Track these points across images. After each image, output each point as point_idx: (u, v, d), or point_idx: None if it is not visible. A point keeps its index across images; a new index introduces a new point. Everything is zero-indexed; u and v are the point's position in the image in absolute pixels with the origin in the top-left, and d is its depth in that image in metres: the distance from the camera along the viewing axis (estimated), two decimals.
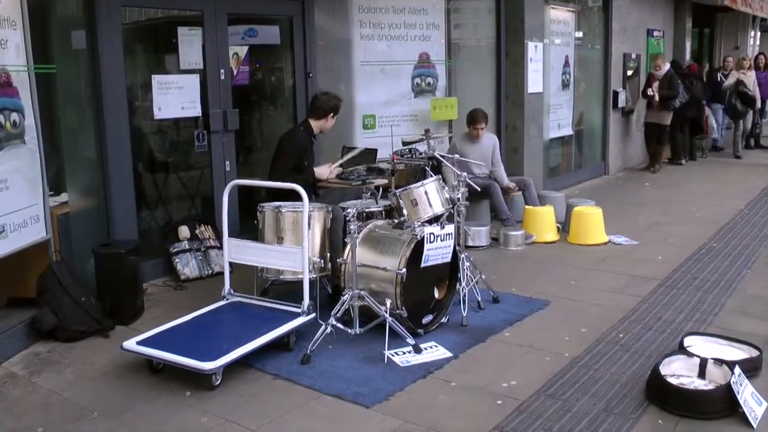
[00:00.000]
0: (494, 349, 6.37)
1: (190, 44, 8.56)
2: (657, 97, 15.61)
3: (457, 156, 7.88)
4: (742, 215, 11.57)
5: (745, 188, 13.91)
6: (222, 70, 8.77)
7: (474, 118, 10.27)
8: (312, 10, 9.59)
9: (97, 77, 7.68)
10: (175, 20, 8.73)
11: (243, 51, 9.32)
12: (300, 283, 6.43)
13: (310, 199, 6.55)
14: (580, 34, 14.98)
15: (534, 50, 12.39)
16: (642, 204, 12.69)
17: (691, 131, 17.87)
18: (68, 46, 7.68)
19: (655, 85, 15.64)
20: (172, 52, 8.64)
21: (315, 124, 7.88)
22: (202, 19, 8.59)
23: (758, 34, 26.76)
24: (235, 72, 9.15)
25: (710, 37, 25.49)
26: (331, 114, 7.90)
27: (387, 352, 6.06)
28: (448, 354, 6.19)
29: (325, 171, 7.80)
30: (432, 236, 6.43)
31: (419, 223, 6.77)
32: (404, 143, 8.46)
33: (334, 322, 6.25)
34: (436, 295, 6.83)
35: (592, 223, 9.98)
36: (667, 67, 16.10)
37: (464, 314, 6.88)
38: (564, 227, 10.37)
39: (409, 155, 8.20)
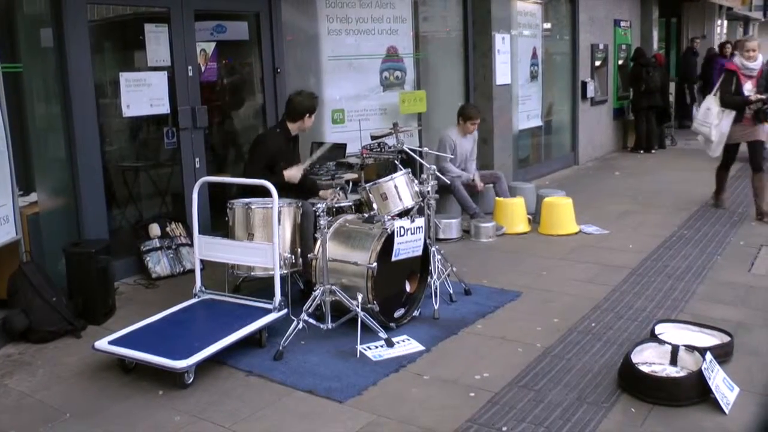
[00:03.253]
0: (466, 341, 6.39)
1: (157, 41, 8.51)
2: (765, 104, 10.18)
3: (426, 149, 7.89)
4: (713, 202, 11.62)
5: (714, 175, 13.93)
6: (190, 67, 8.73)
7: (471, 115, 10.45)
8: (279, 6, 9.55)
9: (65, 75, 7.63)
10: (141, 17, 8.68)
11: (210, 47, 9.30)
12: (271, 279, 6.43)
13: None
14: (547, 26, 15.05)
15: (501, 42, 12.42)
16: (612, 193, 12.77)
17: (659, 120, 17.98)
18: (35, 45, 7.62)
19: (748, 86, 10.40)
20: (139, 49, 8.59)
21: (292, 126, 7.78)
22: (169, 15, 8.54)
23: (725, 22, 26.96)
24: (203, 68, 9.12)
25: (677, 26, 25.61)
26: (308, 114, 7.78)
27: (359, 347, 6.07)
28: (421, 347, 6.20)
29: (296, 173, 7.72)
30: (402, 230, 6.44)
31: (389, 217, 6.78)
32: (373, 137, 8.46)
33: (306, 318, 6.24)
34: (408, 288, 6.84)
35: (562, 213, 10.03)
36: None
37: (436, 307, 6.89)
38: (535, 218, 10.41)
39: (378, 149, 8.18)
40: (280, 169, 7.53)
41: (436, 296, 6.94)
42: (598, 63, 16.83)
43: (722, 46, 21.39)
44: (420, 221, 6.62)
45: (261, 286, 7.37)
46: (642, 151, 17.69)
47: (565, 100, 16.07)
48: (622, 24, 18.07)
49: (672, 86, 20.13)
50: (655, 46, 19.92)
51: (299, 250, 6.93)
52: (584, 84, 16.07)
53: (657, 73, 17.33)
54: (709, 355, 5.28)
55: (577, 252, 9.06)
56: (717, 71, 19.93)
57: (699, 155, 16.75)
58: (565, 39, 15.87)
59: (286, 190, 7.35)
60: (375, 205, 7.07)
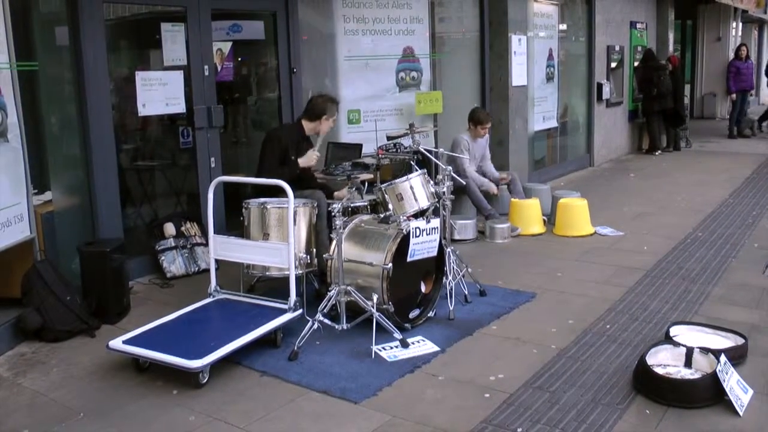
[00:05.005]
0: (481, 342, 6.38)
1: (173, 40, 8.52)
2: None
3: (441, 149, 7.88)
4: (727, 204, 11.63)
5: (729, 177, 13.97)
6: (206, 66, 8.74)
7: (481, 120, 10.41)
8: (295, 5, 9.56)
9: (80, 74, 7.64)
10: (158, 16, 8.70)
11: (227, 47, 9.30)
12: (286, 279, 6.43)
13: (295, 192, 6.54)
14: (563, 27, 15.02)
15: (518, 43, 12.42)
16: (627, 195, 12.74)
17: (673, 122, 17.96)
18: (51, 43, 7.65)
19: None
20: (155, 48, 8.61)
21: (308, 126, 7.80)
22: (186, 14, 8.56)
23: (740, 25, 26.88)
24: (219, 68, 9.13)
25: (693, 28, 25.59)
26: (325, 116, 7.77)
27: (374, 347, 6.07)
28: (436, 348, 6.19)
29: (310, 157, 7.71)
30: (418, 230, 6.43)
31: (405, 218, 6.77)
32: (389, 138, 8.45)
33: (321, 318, 6.24)
34: (423, 289, 6.84)
35: (577, 214, 10.00)
36: None
37: (451, 308, 6.87)
38: (550, 219, 10.39)
39: (394, 150, 8.18)
40: (293, 161, 7.53)
41: (451, 297, 6.92)
42: (613, 65, 16.80)
43: (738, 48, 21.38)
44: (435, 222, 6.61)
45: (276, 286, 7.38)
46: (658, 152, 17.67)
47: (581, 101, 16.05)
48: (638, 26, 18.03)
49: (687, 88, 20.11)
50: (671, 48, 19.88)
51: (314, 250, 6.93)
52: (600, 85, 16.03)
53: (667, 76, 17.33)
54: (723, 357, 5.26)
55: (592, 253, 9.04)
56: (732, 74, 19.99)
57: (714, 157, 16.85)
58: (581, 40, 15.84)
59: (300, 183, 7.36)
60: (390, 206, 7.04)
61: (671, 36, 19.98)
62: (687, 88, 22.79)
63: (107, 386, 5.69)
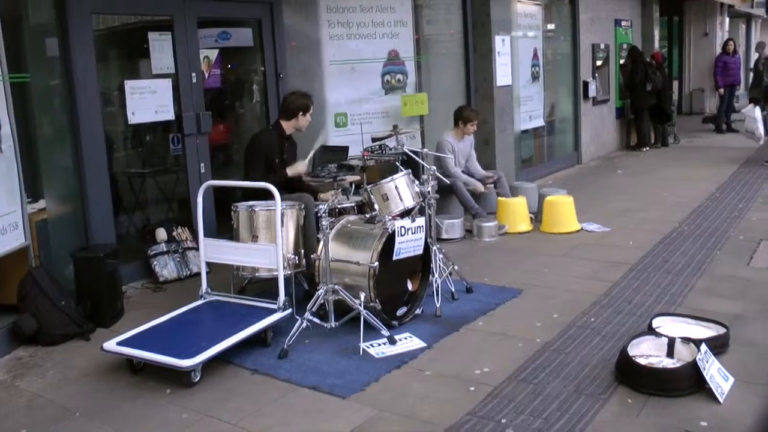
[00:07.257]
0: (467, 337, 6.48)
1: (161, 49, 8.62)
2: None
3: (426, 150, 7.98)
4: (713, 198, 11.73)
5: (716, 172, 14.05)
6: (193, 74, 8.85)
7: (470, 118, 10.53)
8: (280, 12, 9.67)
9: (71, 84, 7.74)
10: (146, 25, 8.80)
11: (213, 54, 9.40)
12: (276, 280, 6.53)
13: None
14: (548, 27, 15.12)
15: (501, 44, 12.51)
16: (614, 191, 12.87)
17: (659, 119, 18.06)
18: (41, 54, 7.72)
19: None
20: (144, 57, 8.70)
21: (287, 125, 7.95)
22: (173, 23, 8.67)
23: (727, 20, 26.97)
24: (206, 75, 9.23)
25: (680, 24, 25.68)
26: (301, 112, 7.94)
27: (362, 345, 6.17)
28: (423, 344, 6.29)
29: (297, 169, 7.86)
30: (403, 229, 6.54)
31: (390, 217, 6.88)
32: (374, 140, 8.56)
33: (310, 317, 6.35)
34: (410, 287, 6.94)
35: (563, 211, 10.11)
36: None
37: (438, 305, 6.99)
38: (537, 217, 10.49)
39: (380, 151, 8.28)
40: (278, 167, 7.68)
41: (437, 294, 7.04)
42: (599, 63, 16.91)
43: (725, 43, 21.50)
44: (420, 221, 6.71)
45: (267, 288, 7.48)
46: (646, 149, 17.78)
47: (567, 100, 16.16)
48: (623, 23, 18.14)
49: (675, 84, 20.16)
50: (656, 45, 19.98)
51: (302, 250, 7.04)
52: (586, 84, 16.14)
53: (659, 73, 17.47)
54: (704, 346, 5.35)
55: (578, 249, 9.15)
56: (719, 69, 20.09)
57: (701, 152, 16.95)
58: (566, 39, 15.95)
59: (288, 188, 7.49)
60: (376, 206, 7.14)
61: (656, 33, 20.07)
62: (675, 84, 22.91)
63: (102, 387, 5.79)
